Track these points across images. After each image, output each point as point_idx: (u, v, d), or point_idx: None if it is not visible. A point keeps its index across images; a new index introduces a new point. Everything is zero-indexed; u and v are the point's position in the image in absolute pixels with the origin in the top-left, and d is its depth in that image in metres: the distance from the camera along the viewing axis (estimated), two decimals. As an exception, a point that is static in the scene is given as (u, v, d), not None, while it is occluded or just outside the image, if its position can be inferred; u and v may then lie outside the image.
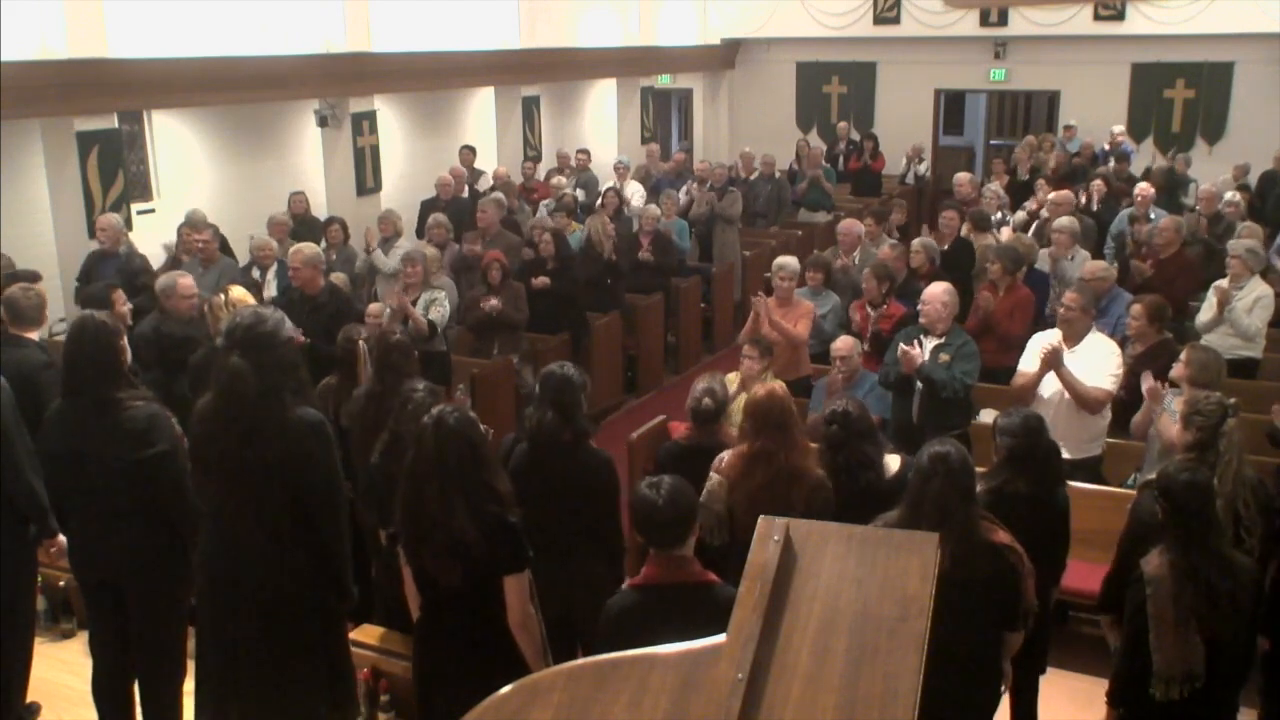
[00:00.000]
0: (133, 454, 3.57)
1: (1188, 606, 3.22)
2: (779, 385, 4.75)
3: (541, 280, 8.08)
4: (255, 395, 3.11)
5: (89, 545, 3.73)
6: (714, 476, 4.08)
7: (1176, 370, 4.82)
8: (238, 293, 5.38)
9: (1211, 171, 12.10)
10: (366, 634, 4.22)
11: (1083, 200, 10.10)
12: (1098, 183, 10.26)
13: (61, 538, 3.96)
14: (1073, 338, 5.30)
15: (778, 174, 12.36)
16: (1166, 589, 3.25)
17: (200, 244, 7.77)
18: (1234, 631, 3.28)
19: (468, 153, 11.59)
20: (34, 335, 4.89)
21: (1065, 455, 5.23)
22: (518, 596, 3.21)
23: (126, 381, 3.72)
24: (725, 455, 4.17)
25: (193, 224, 8.18)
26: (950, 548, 3.10)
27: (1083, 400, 5.12)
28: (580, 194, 11.33)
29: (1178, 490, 3.31)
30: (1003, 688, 3.60)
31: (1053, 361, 5.13)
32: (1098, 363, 5.24)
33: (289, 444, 3.15)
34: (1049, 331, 5.50)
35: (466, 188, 10.86)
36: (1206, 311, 6.82)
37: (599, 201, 10.45)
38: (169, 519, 3.66)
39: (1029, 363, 5.40)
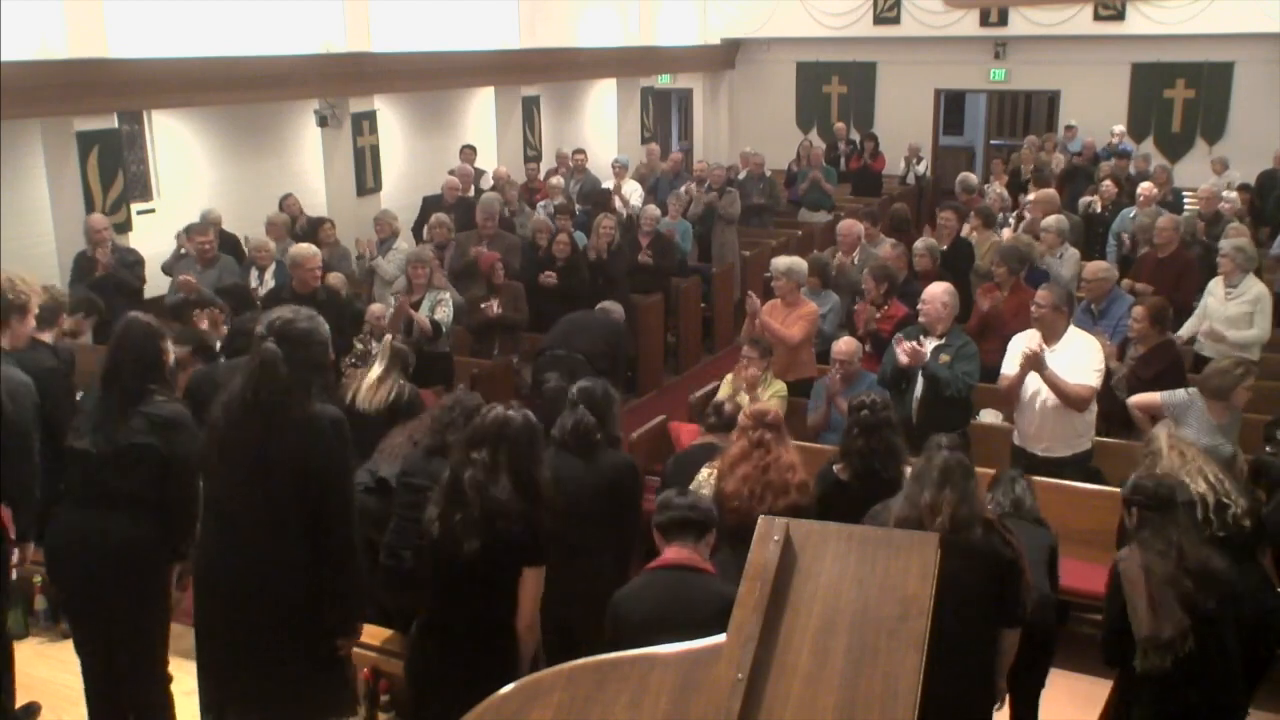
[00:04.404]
0: (151, 440, 3.57)
1: (1161, 574, 3.30)
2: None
3: (549, 280, 8.07)
4: (284, 383, 3.14)
5: (76, 536, 3.66)
6: (704, 470, 4.15)
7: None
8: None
9: (1211, 172, 12.11)
10: (367, 634, 4.21)
11: (1095, 204, 10.09)
12: (1108, 183, 10.23)
13: (33, 548, 3.96)
14: (1051, 336, 5.28)
15: (768, 173, 12.37)
16: (1136, 560, 3.35)
17: (205, 244, 7.80)
18: (1218, 605, 3.30)
19: (469, 152, 11.60)
20: (47, 337, 4.94)
21: (1056, 454, 5.28)
22: (533, 591, 3.25)
23: (164, 382, 3.75)
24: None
25: (204, 222, 8.24)
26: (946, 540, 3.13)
27: (1067, 399, 5.12)
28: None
29: (1147, 490, 3.49)
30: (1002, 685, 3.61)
31: (1034, 365, 5.11)
32: (1079, 359, 5.21)
33: (306, 438, 3.16)
34: (1028, 332, 5.49)
35: (472, 187, 10.85)
36: (1194, 322, 6.85)
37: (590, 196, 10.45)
38: (162, 515, 3.63)
39: (1010, 364, 5.38)
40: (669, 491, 3.46)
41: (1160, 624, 3.24)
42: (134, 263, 7.87)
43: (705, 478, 4.14)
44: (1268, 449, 4.41)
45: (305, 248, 6.87)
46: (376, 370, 5.26)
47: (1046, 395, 5.19)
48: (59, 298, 5.04)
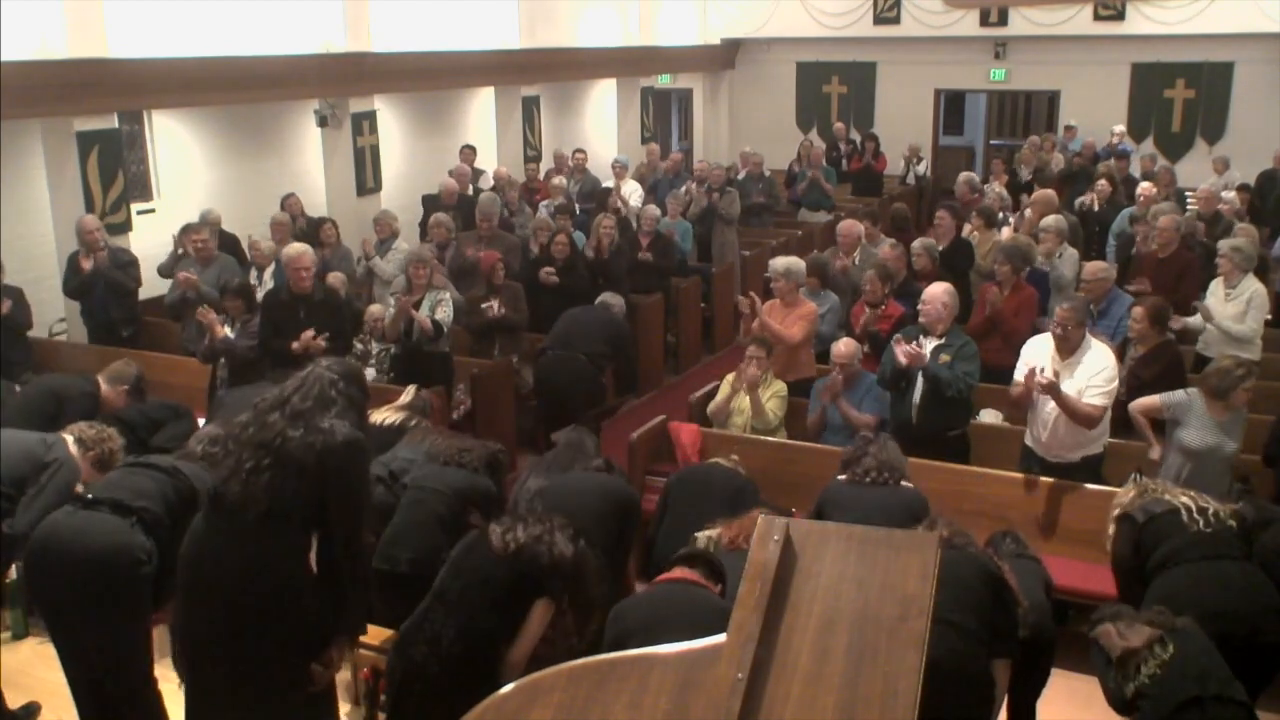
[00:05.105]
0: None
1: (1126, 615, 3.47)
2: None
3: (550, 278, 8.06)
4: (321, 397, 3.26)
5: (65, 537, 3.64)
6: (703, 535, 4.30)
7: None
8: None
9: (1212, 172, 12.11)
10: (367, 634, 4.21)
11: (1091, 202, 10.09)
12: (1102, 183, 10.23)
13: None
14: (1068, 350, 5.26)
15: (768, 173, 12.37)
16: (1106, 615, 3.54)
17: (199, 243, 7.80)
18: (1188, 622, 3.39)
19: (469, 152, 11.60)
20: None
21: (1067, 458, 5.28)
22: (538, 625, 3.33)
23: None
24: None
25: (202, 222, 8.26)
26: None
27: (1076, 418, 5.12)
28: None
29: (1102, 612, 3.63)
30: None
31: (1047, 391, 5.08)
32: (1093, 375, 5.17)
33: (323, 440, 3.18)
34: (1042, 337, 5.47)
35: (470, 187, 10.86)
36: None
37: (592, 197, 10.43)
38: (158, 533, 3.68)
39: (1022, 372, 5.35)
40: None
41: (1129, 640, 3.38)
42: (128, 263, 7.85)
43: (705, 535, 4.26)
44: (1240, 501, 4.40)
45: (296, 247, 6.87)
46: (403, 400, 5.64)
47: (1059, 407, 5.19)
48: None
